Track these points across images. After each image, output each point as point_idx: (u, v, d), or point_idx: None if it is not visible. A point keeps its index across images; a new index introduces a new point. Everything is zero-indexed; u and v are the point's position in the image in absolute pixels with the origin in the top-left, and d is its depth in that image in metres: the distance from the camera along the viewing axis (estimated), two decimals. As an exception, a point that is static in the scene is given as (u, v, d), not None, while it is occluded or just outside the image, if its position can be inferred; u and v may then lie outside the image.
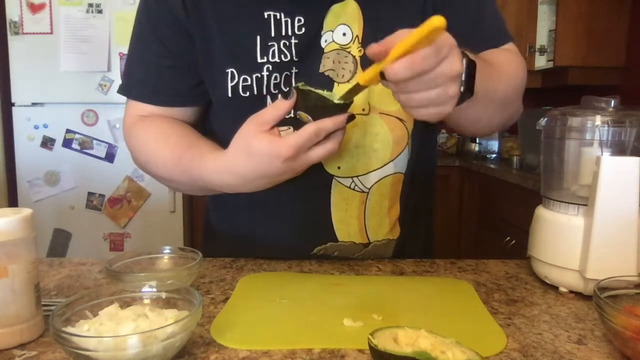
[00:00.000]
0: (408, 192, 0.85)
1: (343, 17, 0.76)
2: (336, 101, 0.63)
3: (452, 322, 0.61)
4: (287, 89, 0.76)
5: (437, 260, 0.87)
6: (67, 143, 2.65)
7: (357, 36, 0.76)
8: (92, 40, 2.58)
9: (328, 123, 0.62)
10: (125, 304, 0.57)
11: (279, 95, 0.75)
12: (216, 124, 0.85)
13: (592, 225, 0.66)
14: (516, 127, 2.69)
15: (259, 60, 0.75)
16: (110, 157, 2.66)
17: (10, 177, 2.79)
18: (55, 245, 2.68)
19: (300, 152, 0.63)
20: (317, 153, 0.64)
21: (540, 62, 2.62)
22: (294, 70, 0.76)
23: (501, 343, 0.56)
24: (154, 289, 0.59)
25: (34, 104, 2.63)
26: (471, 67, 0.60)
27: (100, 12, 2.57)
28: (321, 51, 0.76)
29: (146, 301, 0.58)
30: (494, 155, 3.07)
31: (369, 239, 0.83)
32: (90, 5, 2.57)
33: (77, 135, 2.64)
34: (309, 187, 0.79)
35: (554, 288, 0.73)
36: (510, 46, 0.83)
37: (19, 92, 2.61)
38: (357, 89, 0.62)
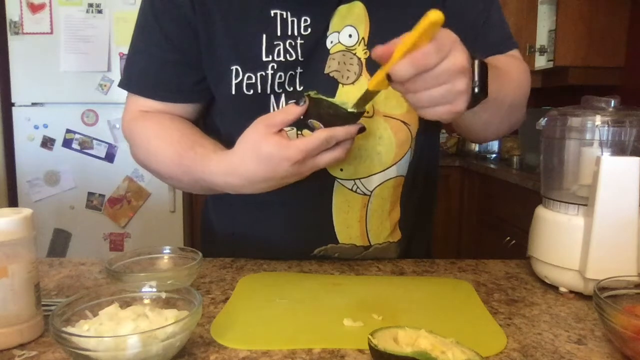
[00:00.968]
0: (409, 195, 0.85)
1: (350, 19, 0.76)
2: (349, 110, 0.63)
3: (452, 322, 0.61)
4: (293, 90, 0.76)
5: (437, 260, 0.87)
6: (67, 143, 2.65)
7: (363, 38, 0.76)
8: (92, 40, 2.58)
9: (340, 132, 0.63)
10: (125, 304, 0.57)
11: (283, 95, 0.75)
12: (219, 121, 0.84)
13: (592, 225, 0.66)
14: (516, 127, 2.69)
15: (264, 59, 0.75)
16: (110, 157, 2.66)
17: (10, 177, 2.79)
18: (55, 245, 2.68)
19: (308, 157, 0.63)
20: (325, 159, 0.65)
21: (540, 62, 2.62)
22: (298, 70, 0.76)
23: (501, 343, 0.56)
24: (154, 289, 0.59)
25: (34, 104, 2.63)
26: (484, 68, 0.60)
27: (100, 12, 2.58)
28: (327, 52, 0.76)
29: (146, 301, 0.58)
30: (494, 155, 3.07)
31: (369, 242, 0.83)
32: (90, 5, 2.57)
33: (77, 135, 2.65)
34: (311, 188, 0.78)
35: (554, 288, 0.73)
36: (515, 52, 0.84)
37: (19, 92, 2.61)
38: (367, 96, 0.62)
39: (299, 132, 0.75)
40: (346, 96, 0.76)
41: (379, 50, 0.55)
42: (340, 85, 0.76)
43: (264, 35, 0.75)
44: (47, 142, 2.65)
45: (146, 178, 2.64)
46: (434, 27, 0.51)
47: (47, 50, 2.58)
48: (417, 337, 0.51)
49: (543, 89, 2.73)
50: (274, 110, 0.76)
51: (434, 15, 0.50)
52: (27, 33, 2.57)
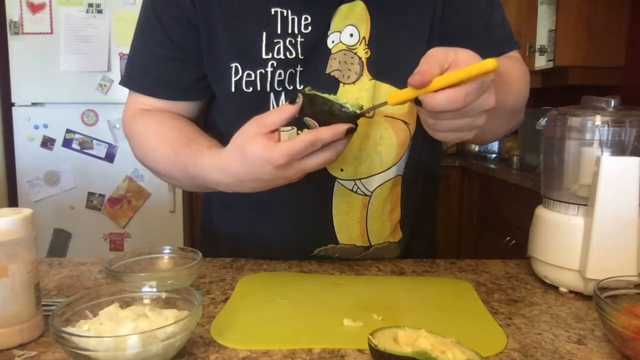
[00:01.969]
0: (409, 195, 0.85)
1: (351, 18, 0.76)
2: (350, 108, 0.60)
3: (452, 322, 0.61)
4: (293, 89, 0.76)
5: (437, 260, 0.87)
6: (67, 143, 2.65)
7: (364, 37, 0.76)
8: (92, 40, 2.58)
9: (326, 133, 0.60)
10: (125, 304, 0.57)
11: (283, 94, 0.74)
12: (219, 119, 0.84)
13: (592, 225, 0.66)
14: (516, 127, 2.69)
15: (264, 56, 0.75)
16: (110, 157, 2.66)
17: (10, 177, 2.79)
18: (55, 245, 2.68)
19: (293, 160, 0.61)
20: (312, 162, 0.62)
21: (540, 62, 2.62)
22: (299, 69, 0.76)
23: (501, 343, 0.56)
24: (154, 289, 0.59)
25: (34, 104, 2.63)
26: None
27: (100, 12, 2.57)
28: (328, 51, 0.76)
29: (146, 301, 0.58)
30: (494, 155, 3.06)
31: (370, 242, 0.83)
32: (90, 5, 2.57)
33: (77, 135, 2.64)
34: (311, 189, 0.78)
35: (554, 288, 0.73)
36: (515, 54, 0.83)
37: (19, 92, 2.61)
38: (380, 106, 0.61)
39: (300, 132, 0.75)
40: (347, 95, 0.76)
41: (417, 79, 0.53)
42: (341, 85, 0.76)
43: (264, 33, 0.75)
44: (47, 142, 2.65)
45: (146, 178, 2.64)
46: (487, 74, 0.51)
47: (47, 50, 2.58)
48: (417, 337, 0.51)
49: (543, 89, 2.72)
50: (273, 108, 0.76)
51: (491, 65, 0.49)
52: (27, 33, 2.57)
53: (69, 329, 0.50)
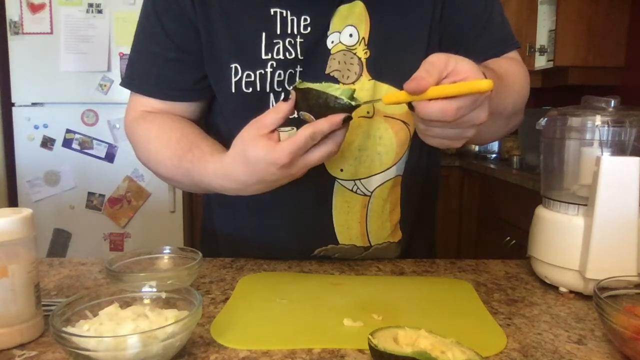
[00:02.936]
0: (409, 195, 0.85)
1: (350, 19, 0.76)
2: (345, 99, 0.61)
3: (452, 322, 0.61)
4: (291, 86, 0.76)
5: (437, 260, 0.87)
6: (67, 143, 2.65)
7: (363, 38, 0.76)
8: (92, 40, 2.58)
9: (324, 125, 0.60)
10: (125, 304, 0.57)
11: (283, 94, 0.74)
12: (220, 119, 0.84)
13: (592, 225, 0.66)
14: (516, 127, 2.69)
15: (263, 57, 0.75)
16: (110, 157, 2.66)
17: (10, 177, 2.79)
18: (55, 245, 2.68)
19: (296, 157, 0.61)
20: (315, 156, 0.62)
21: (540, 62, 2.62)
22: (298, 69, 0.76)
23: (501, 343, 0.56)
24: (154, 289, 0.59)
25: (34, 104, 2.63)
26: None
27: (100, 12, 2.57)
28: (328, 52, 0.76)
29: (146, 301, 0.58)
30: (494, 155, 3.06)
31: (370, 243, 0.83)
32: (90, 5, 2.57)
33: (77, 135, 2.64)
34: (311, 189, 0.78)
35: (554, 288, 0.73)
36: (515, 55, 0.83)
37: (19, 92, 2.61)
38: (375, 101, 0.62)
39: None
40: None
41: (413, 85, 0.53)
42: (340, 85, 0.76)
43: (264, 34, 0.75)
44: (47, 142, 2.65)
45: (146, 178, 2.64)
46: (480, 94, 0.52)
47: (47, 50, 2.58)
48: (417, 337, 0.51)
49: (543, 89, 2.73)
50: None
51: (486, 86, 0.50)
52: (27, 33, 2.57)
53: (69, 329, 0.50)
